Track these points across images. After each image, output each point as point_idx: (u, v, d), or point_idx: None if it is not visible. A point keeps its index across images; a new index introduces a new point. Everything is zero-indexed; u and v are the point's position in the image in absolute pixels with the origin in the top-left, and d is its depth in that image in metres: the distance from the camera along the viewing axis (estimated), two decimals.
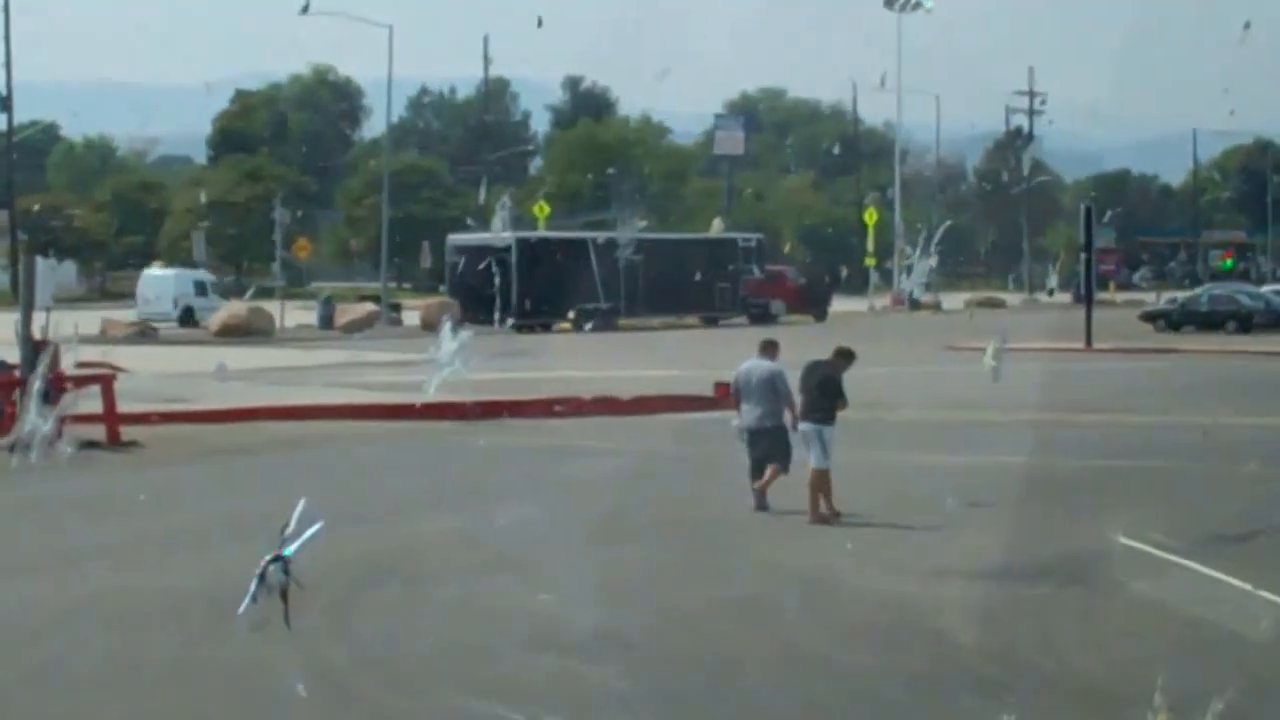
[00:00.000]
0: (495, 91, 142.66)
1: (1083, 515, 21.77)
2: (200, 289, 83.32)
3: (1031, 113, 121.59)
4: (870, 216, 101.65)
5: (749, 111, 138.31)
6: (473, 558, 18.91)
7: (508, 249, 74.78)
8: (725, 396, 36.34)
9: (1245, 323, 68.40)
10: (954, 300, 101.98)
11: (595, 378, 42.18)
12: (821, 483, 21.20)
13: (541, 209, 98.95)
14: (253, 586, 10.10)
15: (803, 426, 21.51)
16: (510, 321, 71.31)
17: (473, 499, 23.78)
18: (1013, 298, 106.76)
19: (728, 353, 51.53)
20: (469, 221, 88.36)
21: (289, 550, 10.15)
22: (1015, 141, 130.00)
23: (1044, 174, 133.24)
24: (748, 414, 22.02)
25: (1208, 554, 18.61)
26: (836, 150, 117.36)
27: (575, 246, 78.82)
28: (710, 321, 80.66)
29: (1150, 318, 72.69)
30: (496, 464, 27.76)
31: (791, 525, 20.98)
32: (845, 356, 22.14)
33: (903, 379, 43.10)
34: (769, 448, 21.82)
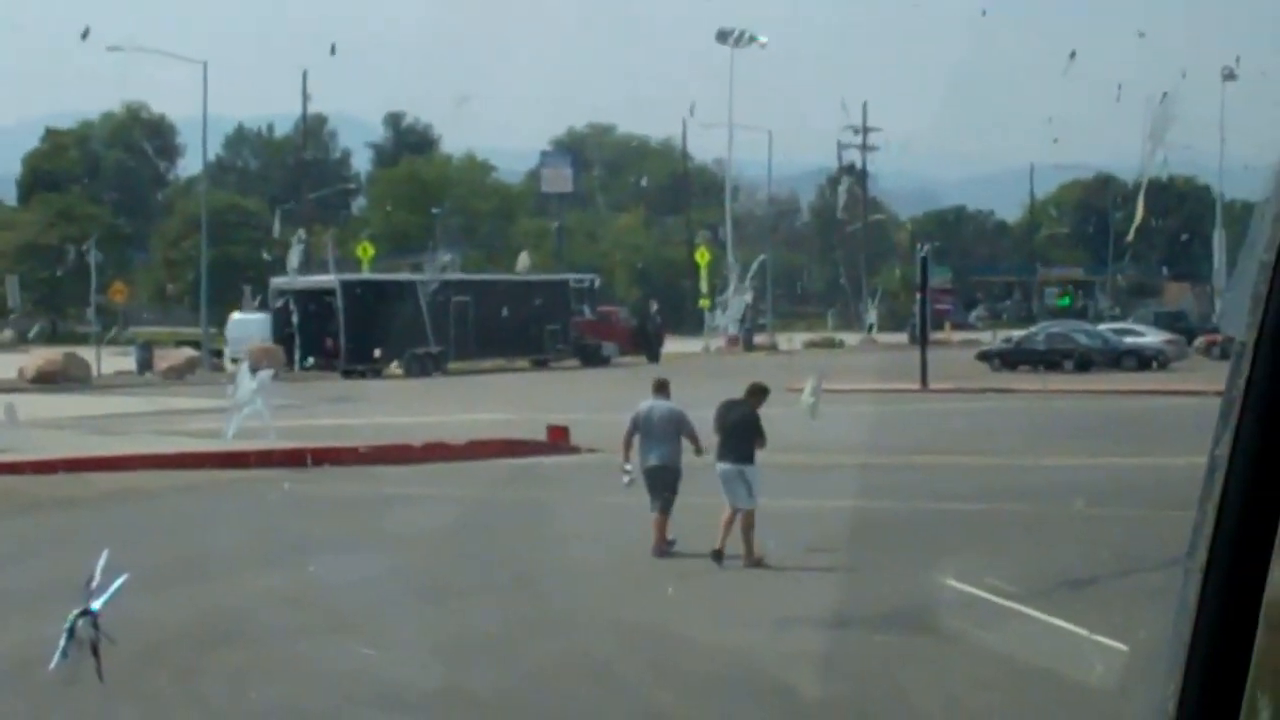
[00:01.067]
0: (314, 129, 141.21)
1: (921, 560, 21.35)
2: None
3: (865, 149, 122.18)
4: (702, 256, 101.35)
5: (576, 148, 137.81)
6: (313, 616, 18.34)
7: (332, 292, 73.73)
8: (559, 440, 36.04)
9: (1083, 361, 68.57)
10: (791, 340, 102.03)
11: (425, 423, 41.18)
12: (746, 523, 20.97)
13: (365, 250, 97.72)
14: (62, 642, 9.86)
15: (723, 468, 21.29)
16: (339, 365, 70.61)
17: (305, 553, 22.99)
18: (850, 338, 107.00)
19: (559, 396, 51.45)
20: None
21: (96, 605, 9.81)
22: (848, 177, 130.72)
23: (878, 211, 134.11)
24: (648, 453, 21.86)
25: (1045, 599, 18.39)
26: (668, 186, 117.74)
27: (402, 289, 77.82)
28: (541, 364, 79.83)
29: (986, 357, 72.62)
30: (328, 515, 27.20)
31: (633, 573, 20.44)
32: (759, 393, 22.26)
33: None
34: (668, 486, 21.75)
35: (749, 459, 21.39)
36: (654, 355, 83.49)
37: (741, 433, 21.49)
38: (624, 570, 20.86)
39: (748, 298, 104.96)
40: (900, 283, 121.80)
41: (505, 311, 77.68)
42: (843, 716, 13.95)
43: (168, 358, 75.32)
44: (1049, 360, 68.57)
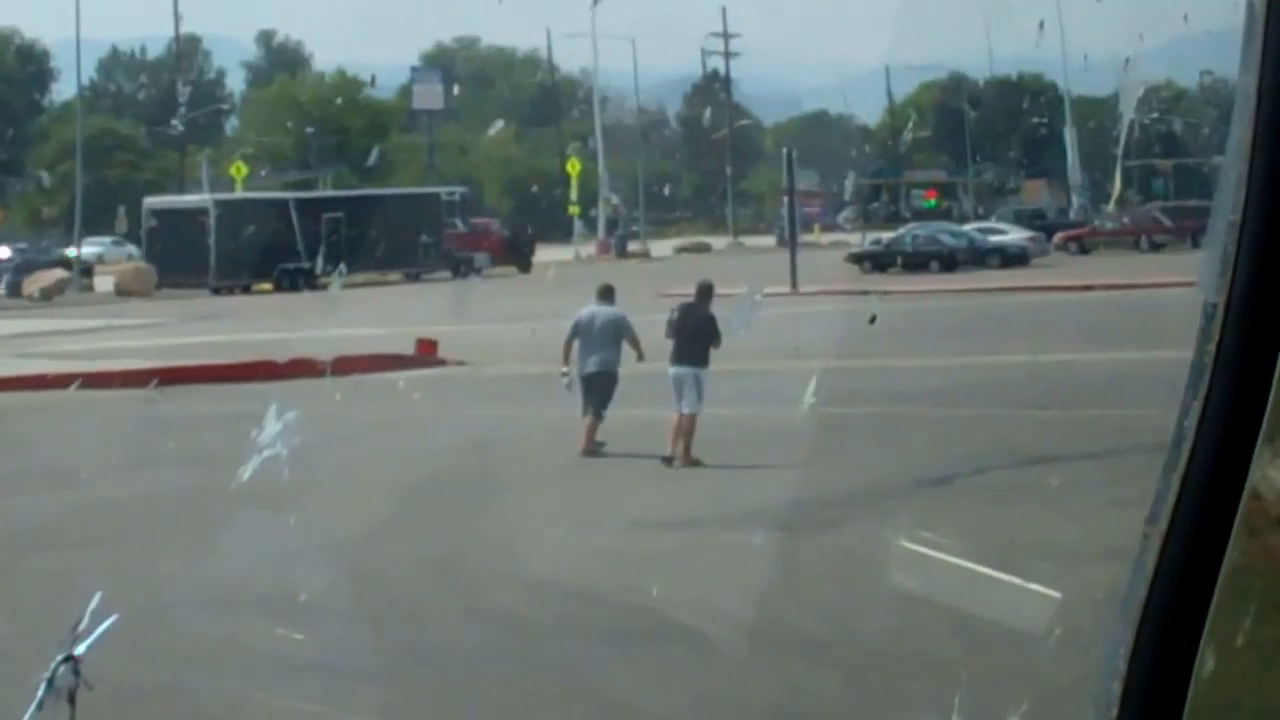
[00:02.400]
0: (187, 50, 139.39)
1: (780, 463, 21.53)
2: None
3: (727, 55, 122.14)
4: (573, 166, 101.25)
5: (446, 63, 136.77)
6: (150, 522, 18.67)
7: (205, 211, 73.67)
8: (428, 353, 36.12)
9: (949, 262, 69.27)
10: (663, 247, 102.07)
11: (294, 339, 41.02)
12: (691, 427, 21.24)
13: (239, 170, 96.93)
14: (40, 692, 9.08)
15: (676, 371, 21.54)
16: (210, 283, 70.64)
17: (157, 466, 23.00)
18: (718, 242, 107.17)
19: (429, 309, 51.41)
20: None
21: (80, 649, 9.17)
22: (713, 85, 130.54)
23: (744, 117, 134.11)
24: (587, 359, 22.29)
25: (900, 497, 18.77)
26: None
27: (275, 206, 77.59)
28: (413, 277, 79.63)
29: (856, 259, 73.12)
30: (184, 431, 26.93)
31: (492, 481, 20.51)
32: (708, 293, 22.57)
33: None
34: (604, 391, 22.15)
35: (703, 362, 21.66)
36: (525, 266, 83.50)
37: (698, 336, 21.74)
38: (478, 476, 21.01)
39: (615, 201, 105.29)
40: (767, 186, 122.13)
41: (376, 226, 77.52)
42: (688, 612, 14.00)
43: (39, 279, 74.59)
44: (917, 261, 69.30)
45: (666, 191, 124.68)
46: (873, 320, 19.91)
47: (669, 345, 22.32)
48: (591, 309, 22.94)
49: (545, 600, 14.73)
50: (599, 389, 22.27)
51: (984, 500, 18.63)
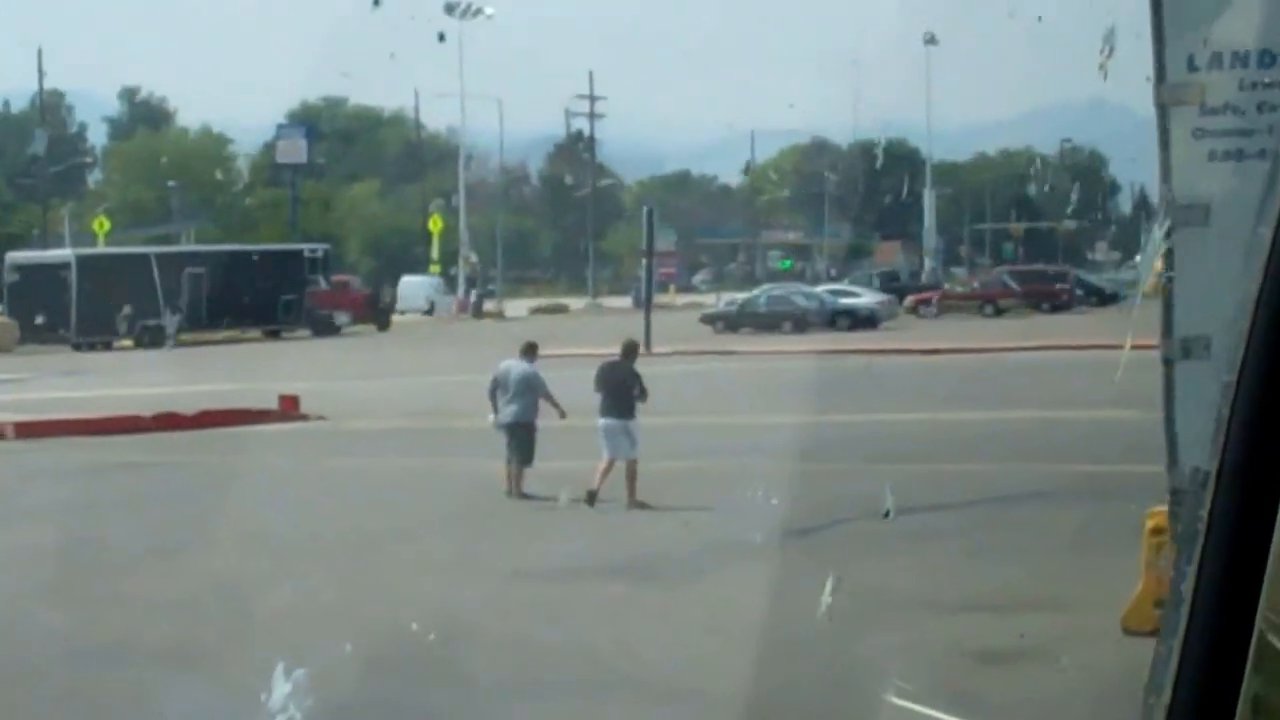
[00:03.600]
0: (51, 105, 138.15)
1: (652, 513, 22.10)
2: None
3: (592, 116, 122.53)
4: (435, 223, 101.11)
5: (310, 120, 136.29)
6: (25, 576, 18.31)
7: (67, 265, 73.20)
8: (290, 409, 36.21)
9: (800, 323, 69.78)
10: (518, 307, 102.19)
11: (155, 395, 40.85)
12: (633, 472, 22.58)
13: (101, 224, 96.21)
14: None
15: (606, 423, 22.90)
16: (71, 339, 70.11)
17: (32, 518, 22.80)
18: (576, 302, 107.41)
19: (290, 365, 51.36)
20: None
21: None
22: (577, 144, 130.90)
23: (606, 177, 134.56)
24: (505, 410, 23.76)
25: (765, 546, 18.84)
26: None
27: (135, 261, 77.18)
28: (274, 334, 79.29)
29: (710, 320, 73.56)
30: (54, 482, 26.77)
31: (358, 530, 20.57)
32: (632, 351, 24.03)
33: (467, 386, 42.84)
34: (522, 441, 23.57)
35: (630, 414, 22.90)
36: (384, 324, 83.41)
37: (624, 390, 23.00)
38: (353, 528, 21.08)
39: (474, 260, 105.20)
40: (627, 246, 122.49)
41: (238, 282, 77.19)
42: (572, 662, 14.21)
43: None
44: (769, 322, 69.65)
45: (526, 249, 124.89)
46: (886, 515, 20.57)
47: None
48: (510, 363, 24.39)
49: (429, 646, 14.79)
50: (517, 438, 23.62)
51: (846, 551, 19.02)
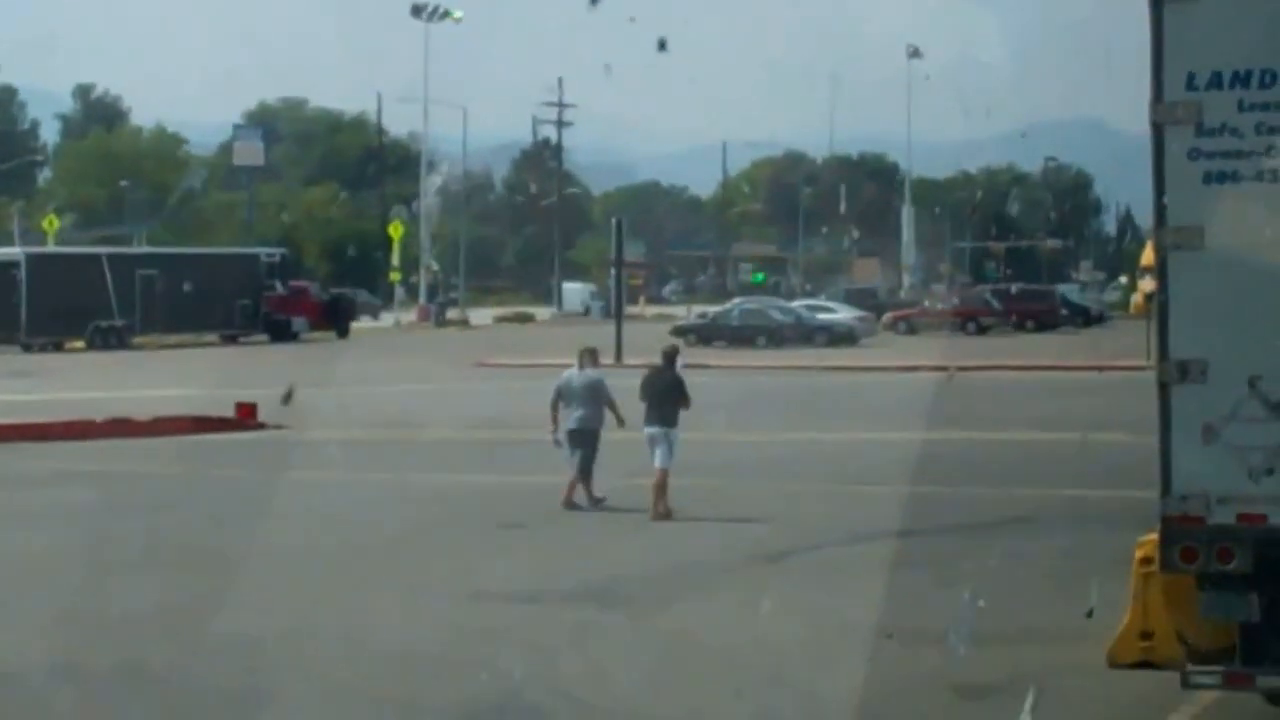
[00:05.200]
0: (2, 101, 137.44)
1: (617, 535, 21.74)
2: None
3: (560, 123, 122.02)
4: (395, 230, 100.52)
5: (269, 122, 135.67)
6: None
7: (16, 265, 72.52)
8: (247, 417, 35.70)
9: (775, 338, 69.43)
10: (483, 316, 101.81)
11: (109, 399, 40.34)
12: (663, 480, 22.53)
13: (51, 223, 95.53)
14: None
15: (650, 431, 22.73)
16: (21, 339, 69.44)
17: None
18: (542, 312, 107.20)
19: (247, 372, 50.91)
20: None
21: None
22: (543, 152, 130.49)
23: (573, 185, 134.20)
24: (570, 417, 23.38)
25: (741, 571, 18.82)
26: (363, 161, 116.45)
27: (88, 262, 76.52)
28: (230, 339, 78.75)
29: (681, 332, 73.13)
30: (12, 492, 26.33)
31: (318, 549, 20.16)
32: (673, 357, 24.18)
33: (431, 397, 42.53)
34: (587, 448, 23.19)
35: (673, 422, 22.79)
36: (344, 330, 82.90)
37: (667, 398, 22.90)
38: (309, 546, 20.70)
39: (435, 267, 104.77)
40: (594, 256, 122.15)
41: (193, 285, 76.66)
42: (537, 690, 13.92)
43: None
44: (743, 336, 69.26)
45: (490, 258, 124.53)
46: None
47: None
48: (573, 370, 24.01)
49: (387, 672, 14.49)
50: (580, 445, 23.26)
51: (818, 577, 18.71)
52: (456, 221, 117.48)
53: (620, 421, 23.43)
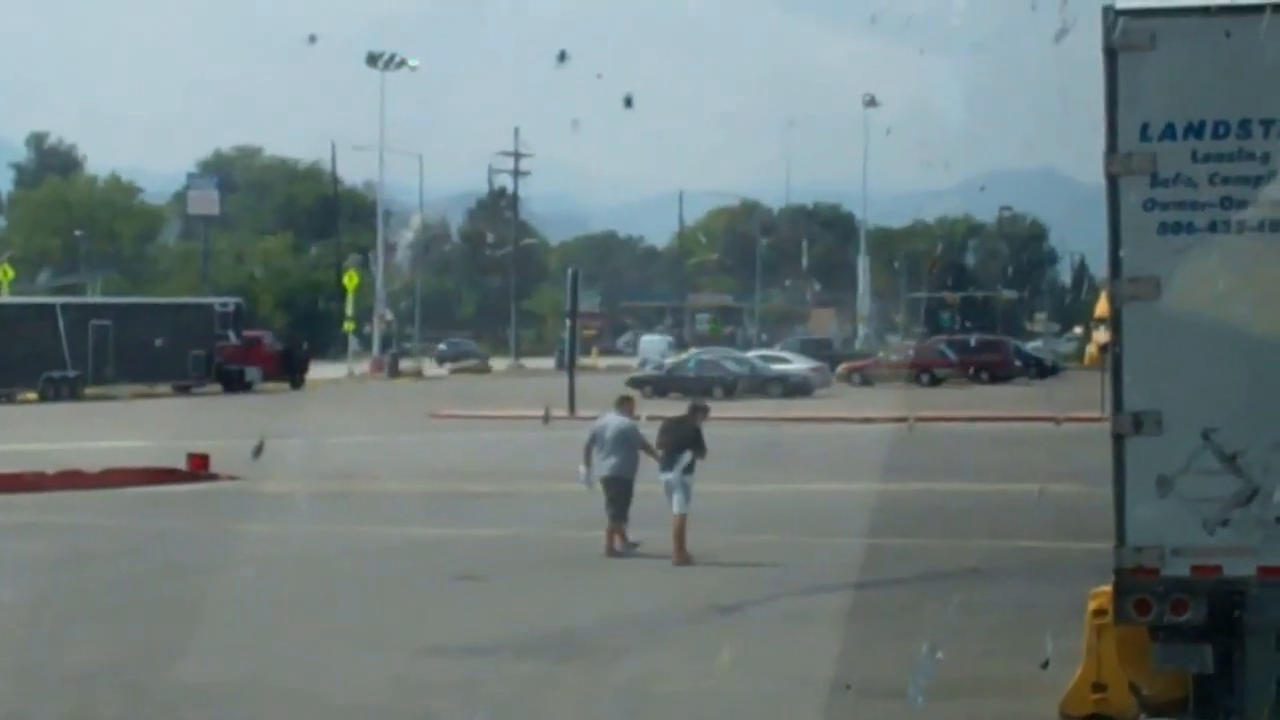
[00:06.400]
0: None
1: (572, 587, 21.63)
2: None
3: (517, 173, 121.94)
4: (350, 279, 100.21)
5: (224, 171, 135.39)
6: None
7: None
8: (199, 468, 35.45)
9: (730, 388, 69.38)
10: (437, 367, 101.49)
11: (60, 450, 40.04)
12: (681, 526, 23.05)
13: (5, 272, 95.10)
14: None
15: (667, 477, 23.35)
16: None
17: None
18: (499, 363, 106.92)
19: (200, 423, 50.68)
20: None
21: None
22: (499, 202, 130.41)
23: (529, 235, 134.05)
24: (603, 464, 23.80)
25: (695, 623, 18.76)
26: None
27: (41, 312, 76.11)
28: (183, 389, 78.34)
29: (638, 384, 72.96)
30: None
31: (274, 599, 19.99)
32: (702, 410, 24.71)
33: (385, 448, 42.34)
34: (620, 495, 23.66)
35: (690, 470, 23.33)
36: (298, 381, 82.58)
37: (684, 446, 23.47)
38: (260, 599, 20.52)
39: (389, 317, 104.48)
40: (550, 306, 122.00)
41: (146, 336, 76.23)
42: None
43: None
44: (699, 387, 69.05)
45: (446, 308, 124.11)
46: None
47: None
48: (608, 417, 24.53)
49: None
50: (613, 492, 23.70)
51: (773, 629, 18.64)
52: (413, 271, 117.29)
53: (662, 465, 23.77)
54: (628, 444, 23.94)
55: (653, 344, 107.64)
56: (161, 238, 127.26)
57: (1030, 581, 20.51)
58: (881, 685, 15.15)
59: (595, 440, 24.19)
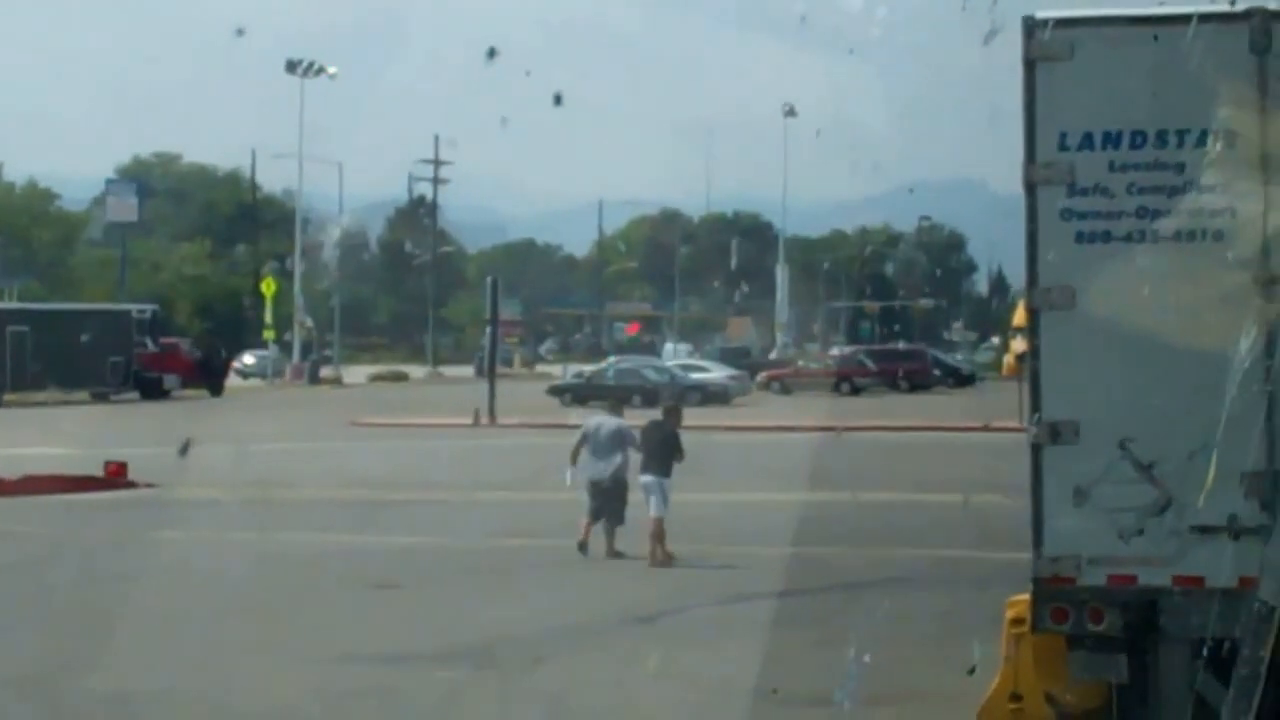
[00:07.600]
0: None
1: (484, 596, 21.59)
2: None
3: (436, 181, 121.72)
4: (268, 287, 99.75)
5: (142, 177, 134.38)
6: None
7: None
8: (117, 476, 35.18)
9: (650, 396, 69.34)
10: (357, 374, 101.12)
11: None
12: (659, 528, 23.27)
13: None
14: None
15: (645, 480, 23.55)
16: None
17: None
18: (417, 370, 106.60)
19: (117, 430, 50.29)
20: None
21: None
22: (418, 210, 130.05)
23: (448, 244, 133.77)
24: (594, 465, 23.93)
25: (613, 633, 18.75)
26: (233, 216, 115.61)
27: None
28: (101, 397, 77.76)
29: (558, 392, 72.99)
30: None
31: (183, 609, 19.85)
32: (677, 412, 25.13)
33: (304, 456, 42.08)
34: (612, 497, 23.81)
35: (667, 473, 23.60)
36: (217, 388, 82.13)
37: (664, 450, 23.72)
38: (176, 607, 20.36)
39: (309, 324, 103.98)
40: (469, 314, 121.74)
41: (64, 342, 75.65)
42: None
43: None
44: (618, 395, 68.99)
45: (364, 315, 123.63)
46: None
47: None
48: (600, 418, 24.87)
49: None
50: (610, 495, 23.82)
51: (691, 638, 18.62)
52: (331, 278, 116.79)
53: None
54: (623, 445, 24.02)
55: (676, 352, 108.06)
56: (79, 244, 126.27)
57: (954, 590, 20.58)
58: (806, 693, 15.16)
59: (586, 440, 24.22)
